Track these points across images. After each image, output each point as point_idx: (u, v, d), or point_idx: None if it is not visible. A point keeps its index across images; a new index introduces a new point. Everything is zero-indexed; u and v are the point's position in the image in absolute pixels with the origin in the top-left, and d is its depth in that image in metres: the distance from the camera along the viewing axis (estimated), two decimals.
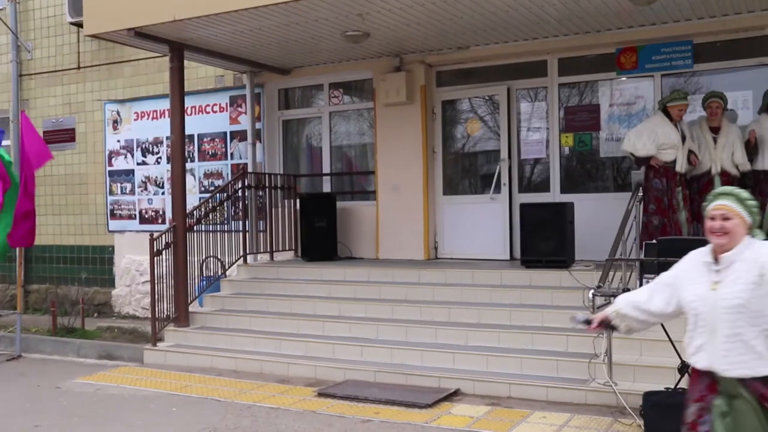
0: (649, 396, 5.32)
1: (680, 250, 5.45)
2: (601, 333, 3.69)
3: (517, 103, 9.61)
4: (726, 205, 3.34)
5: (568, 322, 6.99)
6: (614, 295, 5.96)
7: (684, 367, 5.39)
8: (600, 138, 9.15)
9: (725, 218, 3.31)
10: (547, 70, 9.32)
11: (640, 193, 7.68)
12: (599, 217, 8.55)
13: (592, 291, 5.94)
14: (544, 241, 8.14)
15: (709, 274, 3.34)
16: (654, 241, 6.51)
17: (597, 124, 9.12)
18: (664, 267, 5.45)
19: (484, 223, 9.60)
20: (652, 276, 5.42)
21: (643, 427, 5.33)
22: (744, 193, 3.38)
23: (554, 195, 9.24)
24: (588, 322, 3.90)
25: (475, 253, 9.55)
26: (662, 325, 5.58)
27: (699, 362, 3.35)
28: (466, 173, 10.25)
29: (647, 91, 8.86)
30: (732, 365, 3.20)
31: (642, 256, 6.78)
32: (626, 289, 5.85)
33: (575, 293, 7.14)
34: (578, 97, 9.38)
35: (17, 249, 9.62)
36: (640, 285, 5.47)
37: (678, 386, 5.39)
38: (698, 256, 3.45)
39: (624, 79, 8.97)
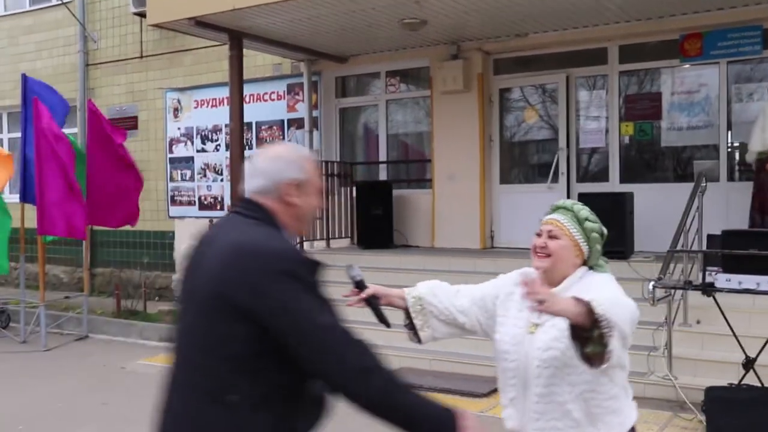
0: (711, 391, 5.21)
1: (746, 241, 5.34)
2: (363, 306, 2.79)
3: (576, 92, 9.46)
4: (557, 221, 2.68)
5: None
6: (675, 287, 5.86)
7: (749, 363, 5.27)
8: (661, 127, 8.94)
9: (552, 236, 2.66)
10: (608, 58, 9.14)
11: (704, 183, 7.49)
12: (659, 208, 8.38)
13: (652, 283, 5.83)
14: None
15: (530, 313, 2.52)
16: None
17: (658, 112, 8.91)
18: (728, 259, 5.34)
19: (541, 212, 9.24)
20: (716, 268, 5.30)
21: (704, 423, 5.22)
22: (585, 212, 2.70)
23: (613, 185, 9.08)
24: (359, 285, 2.85)
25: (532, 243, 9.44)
26: (725, 318, 5.46)
27: (508, 421, 2.69)
28: (524, 162, 10.15)
29: (712, 78, 8.62)
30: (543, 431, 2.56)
31: (705, 248, 6.63)
32: (687, 282, 5.74)
33: (634, 285, 7.01)
34: (639, 85, 9.18)
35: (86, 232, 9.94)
36: (703, 278, 5.34)
37: (742, 382, 5.27)
38: (508, 279, 2.83)
39: (687, 66, 8.74)
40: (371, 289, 2.81)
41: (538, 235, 2.70)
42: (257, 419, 2.05)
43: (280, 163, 2.22)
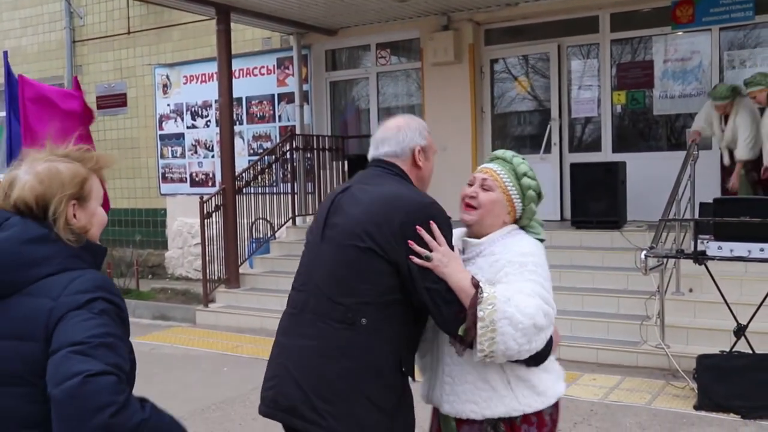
0: (703, 359, 5.22)
1: (737, 209, 5.32)
2: None
3: (568, 61, 9.39)
4: (493, 171, 2.43)
5: (619, 284, 6.94)
6: (667, 256, 5.86)
7: (740, 330, 5.29)
8: (653, 96, 8.89)
9: (485, 187, 2.41)
10: (599, 26, 9.06)
11: (696, 152, 7.47)
12: (652, 177, 8.35)
13: (644, 252, 5.82)
14: (595, 201, 8.01)
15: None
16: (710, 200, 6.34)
17: (650, 81, 8.85)
18: (720, 227, 5.33)
19: None
20: (708, 236, 5.30)
21: (696, 391, 5.24)
22: (525, 166, 2.46)
23: (606, 154, 9.04)
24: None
25: None
26: (717, 286, 5.47)
27: (422, 389, 2.51)
28: (516, 133, 10.10)
29: (704, 45, 8.56)
30: (451, 399, 2.37)
31: (697, 216, 6.62)
32: (680, 250, 5.74)
33: (627, 254, 7.03)
34: (631, 53, 9.11)
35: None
36: (695, 246, 5.33)
37: (733, 349, 5.29)
38: (457, 233, 2.52)
39: (680, 33, 8.67)
40: None
41: (470, 184, 2.45)
42: (384, 350, 2.28)
43: (407, 131, 2.52)
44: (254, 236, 9.85)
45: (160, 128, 12.25)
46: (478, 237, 2.42)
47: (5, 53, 9.44)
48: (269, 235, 9.87)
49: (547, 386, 2.37)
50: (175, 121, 12.12)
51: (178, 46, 11.91)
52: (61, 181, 1.79)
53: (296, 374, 2.30)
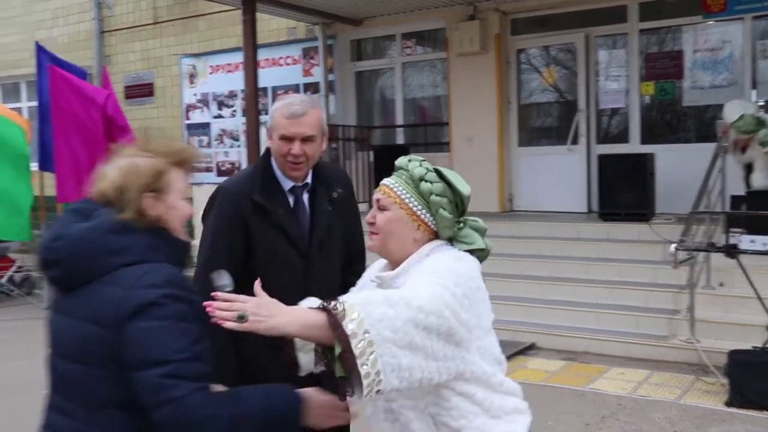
0: (734, 354, 5.16)
1: None
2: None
3: (595, 51, 9.28)
4: (385, 186, 2.08)
5: (648, 277, 6.86)
6: (698, 250, 5.79)
7: None
8: (683, 86, 8.77)
9: (380, 207, 2.06)
10: (627, 16, 8.94)
11: (725, 143, 7.35)
12: (682, 169, 8.25)
13: (674, 245, 5.76)
14: (623, 193, 7.93)
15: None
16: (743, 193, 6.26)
17: (680, 71, 8.73)
18: (753, 220, 5.26)
19: (560, 175, 9.39)
20: (740, 230, 5.22)
21: (727, 386, 5.18)
22: (422, 169, 2.05)
23: (633, 146, 8.94)
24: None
25: (551, 205, 9.38)
26: (749, 281, 5.39)
27: None
28: (542, 124, 10.02)
29: (736, 35, 8.42)
30: None
31: (728, 209, 6.53)
32: (710, 244, 5.66)
33: (656, 247, 6.96)
34: (660, 43, 8.99)
35: None
36: (727, 239, 5.26)
37: (766, 345, 5.21)
38: (377, 265, 2.19)
39: (711, 23, 8.54)
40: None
41: (372, 205, 2.11)
42: None
43: None
44: None
45: (187, 118, 12.30)
46: (396, 265, 2.04)
47: (37, 44, 9.55)
48: None
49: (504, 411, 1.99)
50: (202, 110, 12.17)
51: (204, 36, 11.94)
52: (138, 174, 1.85)
53: None
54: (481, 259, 2.09)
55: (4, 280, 9.82)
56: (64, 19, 13.51)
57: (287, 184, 2.68)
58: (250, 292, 1.82)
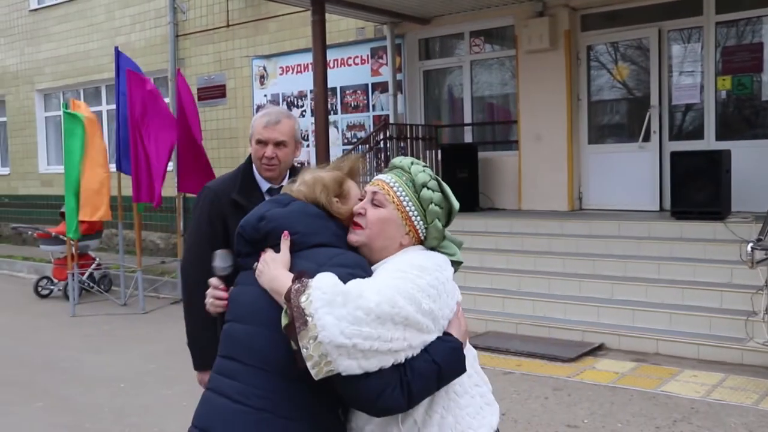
0: None
1: None
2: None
3: (669, 46, 9.06)
4: (385, 183, 2.05)
5: (723, 277, 6.68)
6: None
7: None
8: (762, 80, 8.48)
9: (375, 203, 2.03)
10: (703, 8, 8.69)
11: None
12: (759, 166, 8.00)
13: (750, 244, 5.60)
14: (696, 191, 7.72)
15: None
16: None
17: (759, 64, 8.44)
18: None
19: (631, 172, 9.21)
20: None
21: None
22: (425, 175, 2.05)
23: (708, 142, 8.70)
24: (226, 280, 2.30)
25: (622, 203, 9.21)
26: None
27: None
28: (613, 121, 9.84)
29: None
30: None
31: None
32: None
33: (731, 246, 6.77)
34: (737, 36, 8.70)
35: (177, 200, 10.31)
36: None
37: None
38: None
39: None
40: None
41: (361, 198, 2.09)
42: None
43: None
44: None
45: None
46: (371, 263, 2.01)
47: (116, 49, 9.90)
48: None
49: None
50: None
51: (274, 37, 12.16)
52: (324, 184, 2.10)
53: None
54: (455, 271, 2.07)
55: (84, 277, 10.21)
56: (141, 25, 13.97)
57: (265, 186, 3.03)
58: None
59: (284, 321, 1.78)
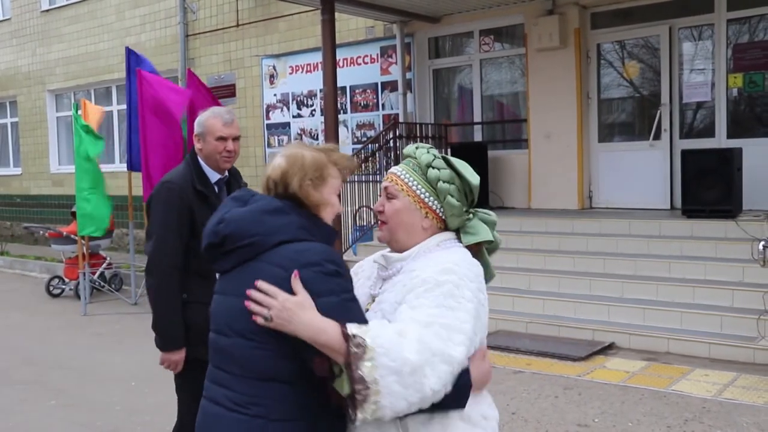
0: None
1: None
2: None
3: (679, 43, 9.01)
4: (394, 175, 2.08)
5: (734, 276, 6.65)
6: None
7: None
8: None
9: (389, 196, 2.07)
10: (714, 5, 8.65)
11: None
12: None
13: (762, 242, 5.57)
14: (707, 189, 7.69)
15: (376, 281, 2.11)
16: None
17: None
18: None
19: (642, 171, 9.17)
20: None
21: None
22: (429, 156, 2.07)
23: (720, 140, 8.65)
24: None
25: (633, 202, 9.18)
26: None
27: None
28: (624, 119, 9.80)
29: None
30: None
31: None
32: None
33: (743, 245, 6.74)
34: (749, 33, 8.66)
35: None
36: None
37: None
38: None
39: None
40: None
41: (381, 194, 2.13)
42: None
43: None
44: (358, 224, 9.99)
45: (267, 118, 12.58)
46: (403, 251, 2.06)
47: (127, 48, 9.94)
48: (372, 223, 9.99)
49: None
50: (282, 110, 12.41)
51: (284, 37, 12.18)
52: (302, 164, 2.04)
53: None
54: (490, 252, 2.14)
55: (95, 276, 10.25)
56: (152, 25, 14.03)
57: (214, 177, 3.42)
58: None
59: (346, 390, 1.77)
